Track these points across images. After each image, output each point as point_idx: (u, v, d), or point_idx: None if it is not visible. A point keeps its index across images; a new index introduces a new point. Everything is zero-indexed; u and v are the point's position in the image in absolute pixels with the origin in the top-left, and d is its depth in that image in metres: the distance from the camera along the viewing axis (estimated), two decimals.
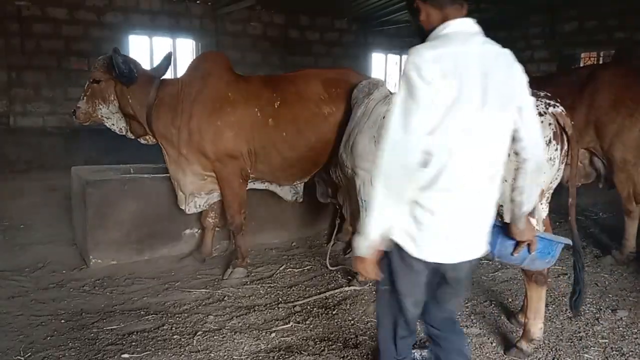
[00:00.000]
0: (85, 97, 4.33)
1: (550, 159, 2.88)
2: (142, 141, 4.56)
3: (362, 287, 4.04)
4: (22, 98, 9.16)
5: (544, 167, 2.05)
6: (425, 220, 1.94)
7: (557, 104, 2.91)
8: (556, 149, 2.89)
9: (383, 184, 1.86)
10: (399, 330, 2.22)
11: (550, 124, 2.85)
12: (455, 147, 1.88)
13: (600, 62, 10.61)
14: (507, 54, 1.96)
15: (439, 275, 2.08)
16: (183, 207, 4.41)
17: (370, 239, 1.91)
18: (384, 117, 3.71)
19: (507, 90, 1.92)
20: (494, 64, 1.90)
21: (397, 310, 2.17)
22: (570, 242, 2.71)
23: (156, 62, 4.57)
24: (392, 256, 2.03)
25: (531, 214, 2.30)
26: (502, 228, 2.32)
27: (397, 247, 2.00)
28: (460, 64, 1.84)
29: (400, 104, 1.84)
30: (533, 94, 2.91)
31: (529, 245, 2.32)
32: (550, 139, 2.85)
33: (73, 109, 4.40)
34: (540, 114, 2.83)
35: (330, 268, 4.46)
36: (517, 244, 2.30)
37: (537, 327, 3.07)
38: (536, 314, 3.06)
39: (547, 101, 2.91)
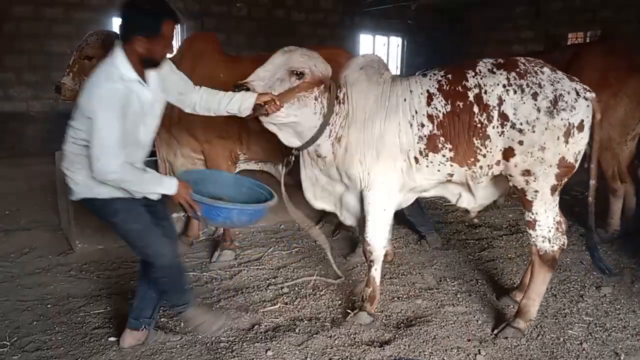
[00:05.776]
0: (71, 74, 4.14)
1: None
2: None
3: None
4: (4, 83, 8.99)
5: None
6: None
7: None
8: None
9: None
10: None
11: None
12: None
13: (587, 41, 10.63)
14: None
15: None
16: None
17: None
18: (405, 100, 3.12)
19: None
20: None
21: None
22: (221, 206, 2.83)
23: None
24: None
25: None
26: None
27: None
28: None
29: None
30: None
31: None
32: None
33: (56, 85, 4.19)
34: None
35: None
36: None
37: (536, 308, 3.12)
38: (538, 296, 3.11)
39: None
